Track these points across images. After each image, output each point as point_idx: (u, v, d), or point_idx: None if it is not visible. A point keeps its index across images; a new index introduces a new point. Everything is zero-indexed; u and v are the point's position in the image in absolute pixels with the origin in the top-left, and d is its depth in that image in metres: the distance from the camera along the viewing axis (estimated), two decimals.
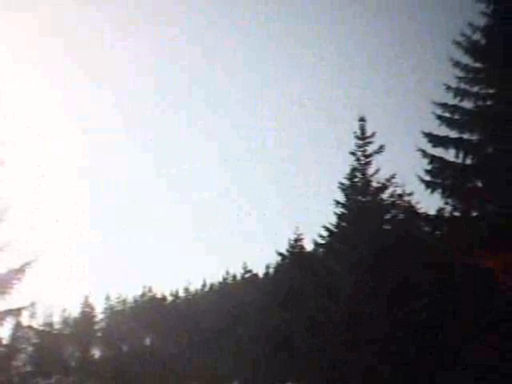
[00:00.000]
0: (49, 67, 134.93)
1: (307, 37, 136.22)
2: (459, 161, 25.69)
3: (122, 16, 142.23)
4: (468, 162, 25.68)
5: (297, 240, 46.16)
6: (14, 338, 59.83)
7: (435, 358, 24.72)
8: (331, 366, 28.22)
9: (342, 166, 32.05)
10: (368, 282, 28.00)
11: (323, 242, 34.05)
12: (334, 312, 29.23)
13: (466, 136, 25.89)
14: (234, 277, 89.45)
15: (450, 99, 26.09)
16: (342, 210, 31.91)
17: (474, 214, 25.73)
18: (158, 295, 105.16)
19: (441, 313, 24.98)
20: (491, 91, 25.95)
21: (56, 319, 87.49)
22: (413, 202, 29.58)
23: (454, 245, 24.19)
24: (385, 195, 31.06)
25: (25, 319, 56.59)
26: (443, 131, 26.04)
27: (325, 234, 33.12)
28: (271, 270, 60.81)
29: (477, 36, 26.26)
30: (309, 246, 43.12)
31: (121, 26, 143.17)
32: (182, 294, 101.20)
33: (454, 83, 26.16)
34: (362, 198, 31.32)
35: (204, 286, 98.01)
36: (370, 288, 27.82)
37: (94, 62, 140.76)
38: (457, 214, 25.58)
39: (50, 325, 78.86)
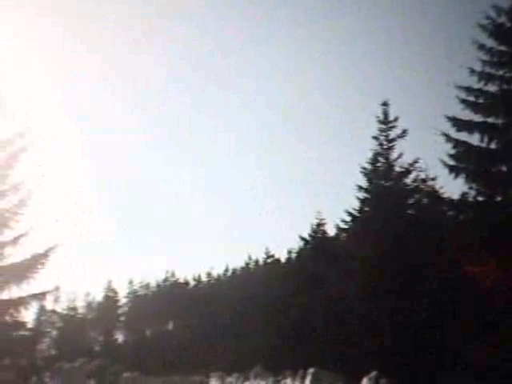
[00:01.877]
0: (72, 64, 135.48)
1: (330, 20, 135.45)
2: (483, 145, 25.41)
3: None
4: (492, 146, 25.40)
5: (319, 225, 46.06)
6: (39, 321, 60.56)
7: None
8: (353, 352, 28.20)
9: (364, 151, 31.94)
10: (387, 267, 27.92)
11: (346, 226, 33.99)
12: (355, 298, 29.19)
13: (490, 120, 25.60)
14: (257, 262, 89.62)
15: (475, 83, 25.79)
16: (364, 194, 31.83)
17: (499, 198, 25.50)
18: (181, 280, 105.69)
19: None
20: None
21: (80, 303, 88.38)
22: (436, 186, 29.42)
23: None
24: (408, 180, 30.92)
25: (49, 303, 57.31)
26: (467, 115, 25.78)
27: (347, 218, 33.08)
28: (293, 255, 60.78)
29: (502, 19, 25.87)
30: (331, 231, 43.08)
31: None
32: (204, 278, 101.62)
33: (478, 67, 25.84)
34: (385, 183, 31.20)
35: (226, 271, 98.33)
36: (393, 275, 27.74)
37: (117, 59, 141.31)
38: (481, 198, 25.36)
39: (74, 309, 79.62)
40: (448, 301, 24.97)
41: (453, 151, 25.63)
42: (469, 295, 24.03)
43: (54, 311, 69.85)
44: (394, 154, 31.15)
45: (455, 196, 26.51)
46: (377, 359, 26.26)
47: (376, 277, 28.15)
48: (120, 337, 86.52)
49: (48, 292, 29.05)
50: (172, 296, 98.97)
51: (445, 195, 27.70)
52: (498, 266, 22.78)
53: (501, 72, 25.71)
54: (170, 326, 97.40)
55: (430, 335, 25.11)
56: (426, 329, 25.33)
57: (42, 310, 59.98)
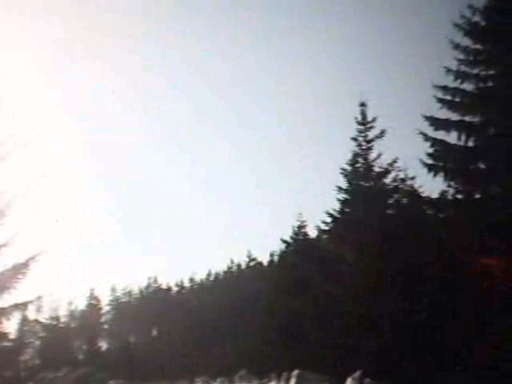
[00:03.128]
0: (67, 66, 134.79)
1: (306, 22, 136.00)
2: (461, 143, 25.59)
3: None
4: (470, 144, 25.58)
5: (300, 227, 46.06)
6: (21, 332, 60.00)
7: (435, 357, 24.69)
8: (339, 353, 28.24)
9: (343, 152, 32.04)
10: (372, 267, 27.98)
11: (327, 228, 34.04)
12: (339, 298, 29.25)
13: (467, 118, 25.78)
14: (239, 266, 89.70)
15: (451, 82, 25.97)
16: (344, 195, 31.92)
17: (477, 196, 25.66)
18: (164, 286, 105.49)
19: (441, 312, 24.94)
20: (492, 72, 25.82)
21: (62, 312, 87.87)
22: (416, 185, 29.51)
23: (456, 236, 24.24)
24: (387, 180, 31.04)
25: (31, 313, 56.86)
26: (444, 114, 25.94)
27: (328, 220, 33.13)
28: (276, 258, 60.86)
29: (476, 18, 26.09)
30: (313, 233, 43.11)
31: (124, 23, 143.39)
32: (187, 284, 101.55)
33: (454, 66, 26.05)
34: (365, 183, 31.31)
35: (209, 275, 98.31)
36: (376, 273, 27.80)
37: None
38: (460, 196, 25.52)
39: (57, 318, 79.05)
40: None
41: (431, 150, 25.79)
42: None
43: (36, 321, 69.25)
44: (372, 155, 31.31)
45: (434, 195, 26.68)
46: (361, 359, 26.30)
47: (361, 277, 28.21)
48: (104, 344, 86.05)
49: (30, 302, 28.78)
50: (155, 302, 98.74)
51: (424, 194, 27.83)
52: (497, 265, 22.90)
53: (476, 70, 25.91)
54: (154, 332, 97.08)
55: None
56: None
57: (25, 320, 59.39)
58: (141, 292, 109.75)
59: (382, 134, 31.16)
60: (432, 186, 26.81)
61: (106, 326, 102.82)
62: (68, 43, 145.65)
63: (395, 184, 30.76)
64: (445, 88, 25.94)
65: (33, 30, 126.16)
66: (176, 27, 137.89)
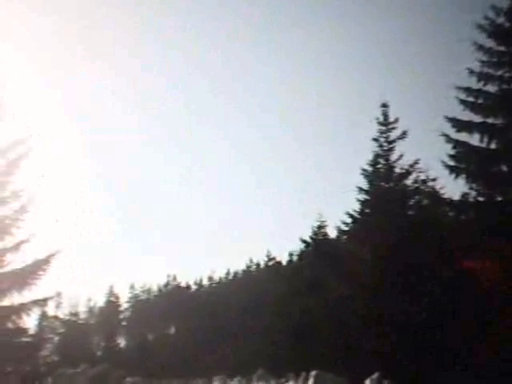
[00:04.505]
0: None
1: (328, 22, 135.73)
2: (484, 145, 25.46)
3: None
4: (492, 146, 25.45)
5: (320, 227, 45.98)
6: (41, 327, 60.49)
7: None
8: (355, 354, 28.15)
9: (365, 153, 31.93)
10: (391, 269, 27.88)
11: (347, 228, 33.90)
12: (357, 299, 29.16)
13: (490, 120, 25.66)
14: (258, 265, 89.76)
15: (474, 83, 25.87)
16: (365, 196, 31.78)
17: (499, 198, 25.51)
18: (183, 284, 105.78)
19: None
20: None
21: (81, 309, 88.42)
22: (437, 187, 29.36)
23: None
24: (408, 181, 30.83)
25: (51, 309, 57.33)
26: (467, 116, 25.85)
27: (348, 220, 32.98)
28: (295, 258, 60.77)
29: (500, 19, 25.97)
30: (332, 233, 42.99)
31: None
32: (206, 282, 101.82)
33: (477, 67, 25.93)
34: (386, 184, 31.15)
35: (228, 274, 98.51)
36: (394, 275, 27.71)
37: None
38: (481, 199, 25.37)
39: (76, 314, 79.58)
40: (448, 301, 24.90)
41: (453, 152, 25.68)
42: (469, 295, 23.97)
43: (55, 317, 69.82)
44: (394, 156, 31.11)
45: (456, 197, 26.54)
46: (379, 360, 26.20)
47: (378, 278, 28.11)
48: (122, 341, 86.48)
49: (50, 298, 29.09)
50: (174, 300, 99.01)
51: (445, 196, 27.71)
52: (499, 266, 22.80)
53: (500, 72, 25.77)
54: (172, 330, 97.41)
55: (431, 335, 25.03)
56: (427, 329, 25.26)
57: (44, 316, 59.93)
58: (159, 290, 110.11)
59: (403, 134, 30.98)
60: (453, 187, 26.71)
61: (124, 323, 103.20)
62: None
63: (416, 185, 30.58)
64: (468, 89, 25.82)
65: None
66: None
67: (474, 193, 25.45)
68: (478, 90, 25.80)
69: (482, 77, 25.75)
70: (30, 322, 30.49)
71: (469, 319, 23.62)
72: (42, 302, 28.64)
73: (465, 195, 25.90)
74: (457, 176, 25.44)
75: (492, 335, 22.58)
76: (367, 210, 31.98)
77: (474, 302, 23.58)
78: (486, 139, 25.32)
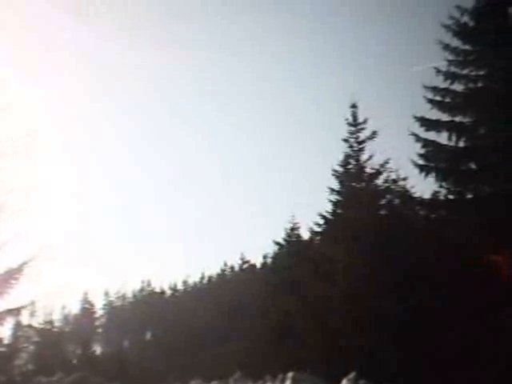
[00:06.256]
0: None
1: (298, 23, 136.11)
2: (452, 144, 25.72)
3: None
4: (461, 144, 25.72)
5: (293, 229, 46.14)
6: (15, 337, 59.88)
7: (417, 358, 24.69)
8: (333, 352, 28.27)
9: (335, 153, 32.08)
10: (366, 268, 28.03)
11: (320, 229, 34.08)
12: (333, 298, 29.28)
13: (457, 119, 25.93)
14: (232, 268, 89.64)
15: (441, 82, 26.13)
16: (337, 197, 31.94)
17: (469, 196, 25.77)
18: (157, 289, 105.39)
19: (425, 312, 24.96)
20: (481, 73, 25.97)
21: (56, 317, 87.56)
22: (407, 186, 29.61)
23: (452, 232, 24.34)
24: (379, 181, 31.02)
25: (25, 318, 56.71)
26: (435, 115, 26.09)
27: (321, 221, 33.17)
28: (269, 260, 60.87)
29: (465, 18, 26.26)
30: (305, 235, 43.15)
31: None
32: (180, 287, 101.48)
33: (444, 66, 26.19)
34: (357, 185, 31.32)
35: (202, 278, 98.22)
36: (368, 273, 27.86)
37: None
38: (452, 196, 25.62)
39: (51, 323, 78.73)
40: (430, 301, 24.98)
41: (422, 151, 25.93)
42: (451, 294, 24.06)
43: (30, 326, 69.05)
44: (364, 156, 31.28)
45: (426, 195, 26.79)
46: (356, 360, 26.32)
47: (352, 279, 28.27)
48: (98, 349, 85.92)
49: (23, 307, 28.78)
50: (149, 306, 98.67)
51: (416, 195, 27.94)
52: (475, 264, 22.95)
53: (466, 71, 26.06)
54: (148, 335, 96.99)
55: (412, 335, 25.14)
56: (410, 329, 25.37)
57: (18, 326, 59.25)
58: (134, 296, 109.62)
59: (373, 135, 31.17)
60: (424, 186, 26.94)
61: (99, 330, 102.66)
62: (66, 45, 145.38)
63: (387, 185, 30.79)
64: (435, 89, 26.08)
65: (30, 31, 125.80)
66: (171, 30, 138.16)
67: (444, 191, 25.71)
68: (445, 89, 26.05)
69: (449, 76, 26.01)
70: (4, 331, 30.20)
71: (458, 319, 23.68)
72: (16, 312, 28.36)
73: (435, 193, 26.16)
74: (427, 174, 25.67)
75: (489, 334, 22.65)
76: (339, 211, 32.15)
77: (465, 302, 23.63)
78: (454, 137, 25.57)
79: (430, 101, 26.00)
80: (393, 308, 26.30)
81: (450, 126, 25.71)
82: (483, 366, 22.13)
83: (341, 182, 31.59)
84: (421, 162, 25.80)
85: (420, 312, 25.40)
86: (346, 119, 31.44)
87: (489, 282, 22.95)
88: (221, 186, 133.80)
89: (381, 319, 26.48)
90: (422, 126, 25.96)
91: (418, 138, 25.88)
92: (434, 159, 25.76)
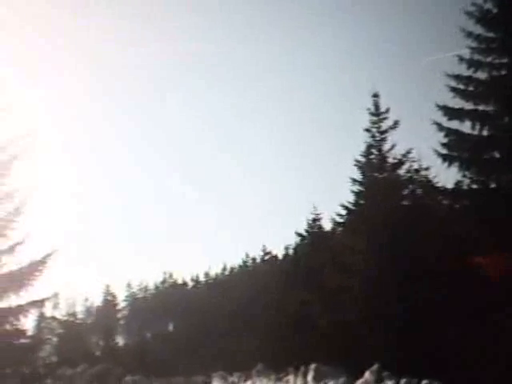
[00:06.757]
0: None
1: (317, 11, 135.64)
2: (475, 132, 25.43)
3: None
4: (484, 133, 25.40)
5: (315, 220, 46.07)
6: (39, 329, 60.27)
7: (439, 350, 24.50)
8: (354, 344, 28.18)
9: (358, 144, 31.95)
10: (387, 259, 27.89)
11: (342, 220, 33.97)
12: (354, 290, 29.17)
13: (481, 107, 25.59)
14: (254, 259, 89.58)
15: (464, 70, 25.81)
16: (359, 187, 31.83)
17: (493, 185, 25.49)
18: (179, 281, 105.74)
19: (445, 304, 24.77)
20: (505, 60, 25.59)
21: (79, 309, 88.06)
22: (430, 176, 29.45)
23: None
24: (401, 171, 30.93)
25: (48, 310, 57.08)
26: (458, 103, 25.79)
27: (343, 212, 33.06)
28: (291, 251, 60.76)
29: (488, 5, 25.89)
30: (327, 226, 43.07)
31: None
32: (202, 278, 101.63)
33: (467, 54, 25.86)
34: (379, 175, 31.18)
35: (224, 269, 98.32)
36: (390, 265, 27.71)
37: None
38: (475, 186, 25.37)
39: (73, 314, 79.31)
40: (450, 292, 24.79)
41: (445, 140, 25.62)
42: (470, 286, 23.83)
43: (53, 318, 69.54)
44: (386, 146, 31.17)
45: (449, 185, 26.52)
46: (379, 352, 26.22)
47: (374, 269, 28.13)
48: (120, 340, 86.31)
49: (47, 299, 28.98)
50: (171, 297, 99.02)
51: (439, 184, 27.71)
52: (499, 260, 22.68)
53: (489, 59, 25.68)
54: (170, 327, 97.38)
55: (433, 329, 24.95)
56: (430, 321, 25.19)
57: (42, 317, 59.66)
58: (156, 287, 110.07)
59: (395, 124, 31.04)
60: (447, 176, 26.72)
61: (122, 322, 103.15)
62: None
63: (410, 175, 30.66)
64: (458, 77, 25.76)
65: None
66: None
67: (467, 180, 25.42)
68: (469, 77, 25.72)
69: (472, 64, 25.68)
70: (28, 323, 30.39)
71: (469, 312, 23.49)
72: (40, 303, 28.57)
73: (458, 183, 25.87)
74: (450, 164, 25.39)
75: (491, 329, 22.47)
76: (361, 201, 32.01)
77: (476, 295, 23.42)
78: (477, 126, 25.26)
79: (453, 89, 25.69)
80: (410, 300, 26.17)
81: (473, 115, 25.41)
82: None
83: (363, 173, 31.46)
84: (444, 151, 25.54)
85: (442, 305, 25.21)
86: (368, 109, 31.30)
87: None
88: (243, 177, 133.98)
89: (399, 312, 26.34)
90: (444, 115, 25.67)
91: (440, 127, 25.60)
92: (456, 148, 25.48)
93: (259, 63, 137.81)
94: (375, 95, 31.40)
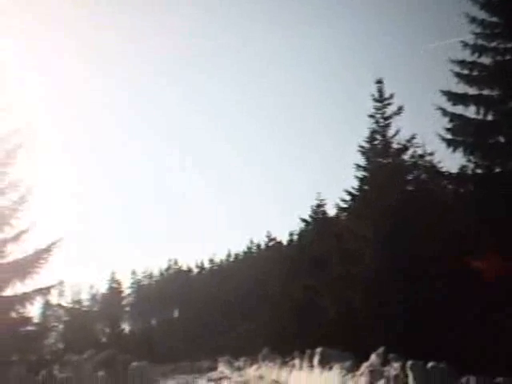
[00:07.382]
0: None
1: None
2: (480, 117, 25.38)
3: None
4: (489, 118, 25.34)
5: (319, 206, 46.19)
6: (45, 316, 60.64)
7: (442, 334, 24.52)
8: (359, 330, 28.27)
9: (362, 130, 31.97)
10: (391, 244, 27.91)
11: (346, 206, 34.02)
12: (359, 276, 29.22)
13: (485, 92, 25.53)
14: (259, 246, 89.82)
15: (468, 56, 25.72)
16: (363, 173, 31.88)
17: (497, 170, 25.46)
18: (184, 267, 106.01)
19: (449, 290, 24.77)
20: (509, 45, 25.50)
21: (84, 296, 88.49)
22: (435, 161, 29.41)
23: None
24: (406, 156, 30.92)
25: (54, 298, 57.34)
26: (462, 88, 25.72)
27: (347, 198, 33.12)
28: (295, 237, 60.90)
29: None
30: (332, 211, 43.14)
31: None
32: (207, 265, 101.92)
33: (471, 39, 25.78)
34: (383, 160, 31.21)
35: (229, 256, 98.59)
36: (394, 250, 27.73)
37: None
38: (480, 171, 25.34)
39: (79, 302, 79.80)
40: (454, 279, 24.80)
41: (449, 125, 25.57)
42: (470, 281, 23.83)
43: (59, 305, 69.97)
44: (390, 131, 31.18)
45: (454, 170, 26.49)
46: (384, 335, 26.27)
47: (379, 255, 28.16)
48: (126, 327, 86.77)
49: (52, 286, 29.11)
50: (176, 284, 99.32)
51: (443, 169, 27.67)
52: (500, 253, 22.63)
53: (494, 44, 25.58)
54: (176, 313, 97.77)
55: (437, 313, 24.98)
56: (433, 306, 25.22)
57: (48, 305, 60.02)
58: (161, 274, 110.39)
59: (399, 110, 31.04)
60: (451, 161, 26.70)
61: (127, 309, 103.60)
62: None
63: (414, 160, 30.64)
64: (462, 62, 25.68)
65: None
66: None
67: (472, 165, 25.38)
68: (473, 63, 25.64)
69: (476, 49, 25.60)
70: (33, 311, 30.57)
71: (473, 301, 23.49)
72: (45, 291, 28.70)
73: (463, 168, 25.84)
74: (454, 149, 25.35)
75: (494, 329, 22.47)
76: (366, 187, 32.04)
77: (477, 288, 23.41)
78: (482, 111, 25.20)
79: (458, 74, 25.62)
80: (418, 287, 26.19)
81: (477, 100, 25.35)
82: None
83: (367, 158, 31.51)
84: (448, 136, 25.49)
85: (446, 290, 25.22)
86: (372, 95, 31.28)
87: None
88: (248, 163, 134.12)
89: (406, 297, 26.37)
90: (449, 100, 25.61)
91: (445, 112, 25.55)
92: (461, 133, 25.44)
93: (264, 46, 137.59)
94: (379, 81, 31.40)
